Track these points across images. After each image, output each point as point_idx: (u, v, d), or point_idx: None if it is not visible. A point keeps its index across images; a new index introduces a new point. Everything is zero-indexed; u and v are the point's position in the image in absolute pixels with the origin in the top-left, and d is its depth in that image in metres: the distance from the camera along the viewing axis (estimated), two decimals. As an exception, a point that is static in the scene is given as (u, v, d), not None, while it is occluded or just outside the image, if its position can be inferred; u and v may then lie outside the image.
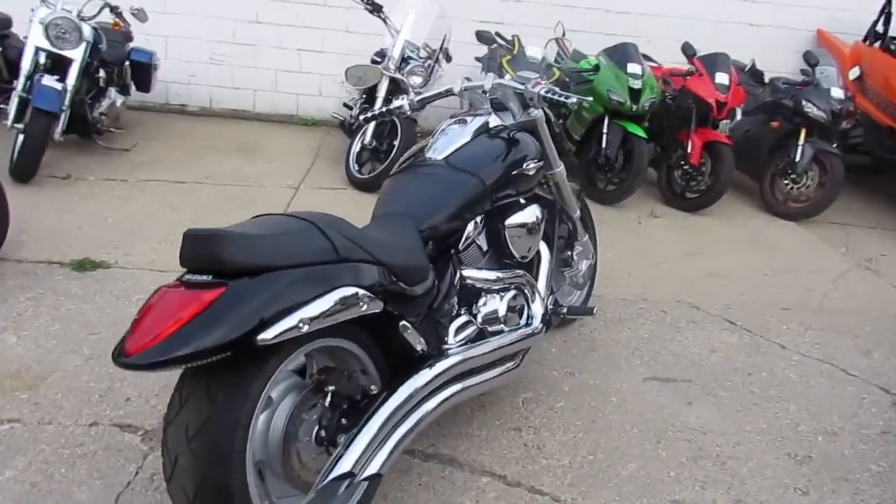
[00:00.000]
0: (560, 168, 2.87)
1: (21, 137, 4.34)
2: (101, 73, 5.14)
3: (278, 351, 1.69)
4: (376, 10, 5.30)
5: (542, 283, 2.68)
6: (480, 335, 2.36)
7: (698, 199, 5.34)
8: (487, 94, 2.67)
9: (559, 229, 3.09)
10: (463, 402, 2.60)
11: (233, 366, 1.64)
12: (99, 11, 4.90)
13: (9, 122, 4.45)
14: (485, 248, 2.43)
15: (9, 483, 2.08)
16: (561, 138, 5.86)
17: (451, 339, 2.20)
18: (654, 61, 6.02)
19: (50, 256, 3.48)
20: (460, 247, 2.35)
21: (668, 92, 5.53)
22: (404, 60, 5.19)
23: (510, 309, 2.47)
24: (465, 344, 2.25)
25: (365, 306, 1.78)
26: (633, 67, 5.11)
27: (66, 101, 4.57)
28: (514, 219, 2.49)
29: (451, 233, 2.30)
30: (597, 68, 5.30)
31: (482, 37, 5.20)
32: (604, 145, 5.20)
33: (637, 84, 5.06)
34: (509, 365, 2.41)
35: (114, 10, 5.14)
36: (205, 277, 1.61)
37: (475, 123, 2.57)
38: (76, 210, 4.09)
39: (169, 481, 1.63)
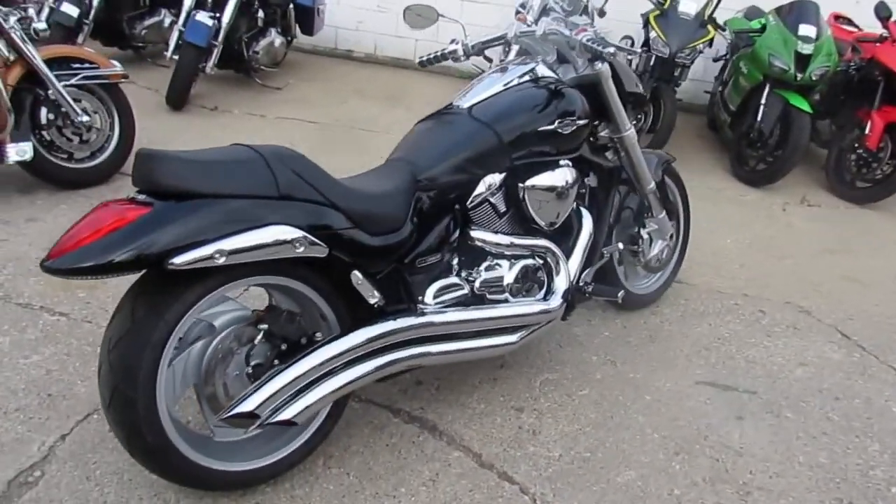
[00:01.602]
0: (629, 132, 2.55)
1: (174, 68, 4.76)
2: (261, 14, 5.45)
3: (203, 280, 1.68)
4: (522, -43, 5.04)
5: (575, 257, 2.41)
6: (478, 300, 2.19)
7: (870, 190, 4.52)
8: (553, 45, 2.44)
9: (626, 200, 2.77)
10: (471, 371, 2.48)
11: (157, 289, 1.67)
12: (259, -48, 5.17)
13: (168, 54, 4.90)
14: (502, 209, 2.23)
15: (29, 366, 2.32)
16: (717, 107, 5.26)
17: (429, 297, 2.05)
18: (855, 25, 5.15)
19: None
20: (469, 203, 2.17)
21: (855, 61, 4.69)
22: (545, 12, 4.90)
23: (521, 278, 2.26)
24: (449, 306, 2.09)
25: (301, 248, 1.71)
26: (805, 29, 4.39)
27: (219, 38, 4.91)
28: (537, 180, 2.25)
29: (455, 186, 2.13)
30: (764, 28, 4.63)
31: (627, -11, 4.75)
32: (759, 118, 4.56)
33: (807, 49, 4.35)
34: (504, 339, 2.21)
35: (275, -48, 5.40)
36: (143, 197, 1.63)
37: (515, 73, 2.35)
38: (209, 137, 4.42)
39: (99, 386, 1.70)
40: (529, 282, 2.31)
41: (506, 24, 2.45)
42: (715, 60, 5.53)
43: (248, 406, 1.69)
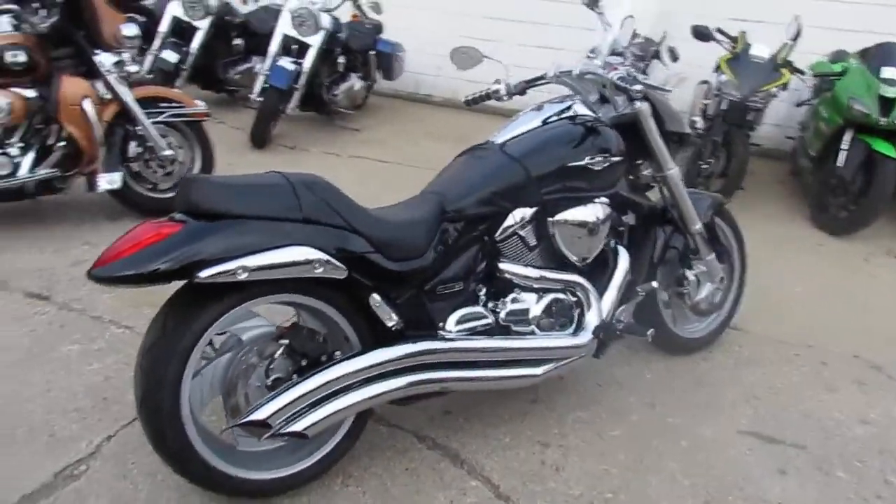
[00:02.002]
0: (673, 170, 2.54)
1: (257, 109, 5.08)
2: (342, 59, 5.75)
3: (229, 295, 1.79)
4: (592, 3, 5.10)
5: (609, 294, 2.39)
6: (504, 331, 2.21)
7: (963, 245, 4.22)
8: (592, 84, 2.48)
9: (671, 240, 2.72)
10: (502, 403, 2.48)
11: (187, 302, 1.80)
12: (340, 4, 5.49)
13: (253, 96, 5.24)
14: (532, 242, 2.26)
15: (91, 372, 2.52)
16: (799, 153, 5.09)
17: (451, 324, 2.09)
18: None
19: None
20: (497, 236, 2.21)
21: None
22: (614, 55, 4.93)
23: (550, 312, 2.27)
24: (470, 334, 2.12)
25: (321, 269, 1.80)
26: (888, 72, 4.22)
27: (301, 81, 5.22)
28: (567, 215, 2.26)
29: (482, 218, 2.18)
30: (845, 72, 4.47)
31: (699, 32, 4.71)
32: (840, 164, 4.37)
33: (891, 92, 4.16)
34: (528, 371, 2.21)
35: (355, 2, 5.71)
36: (179, 216, 1.78)
37: (552, 110, 2.40)
38: (284, 174, 4.67)
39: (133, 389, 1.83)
40: (560, 316, 2.31)
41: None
42: (798, 105, 5.37)
43: (260, 415, 1.78)
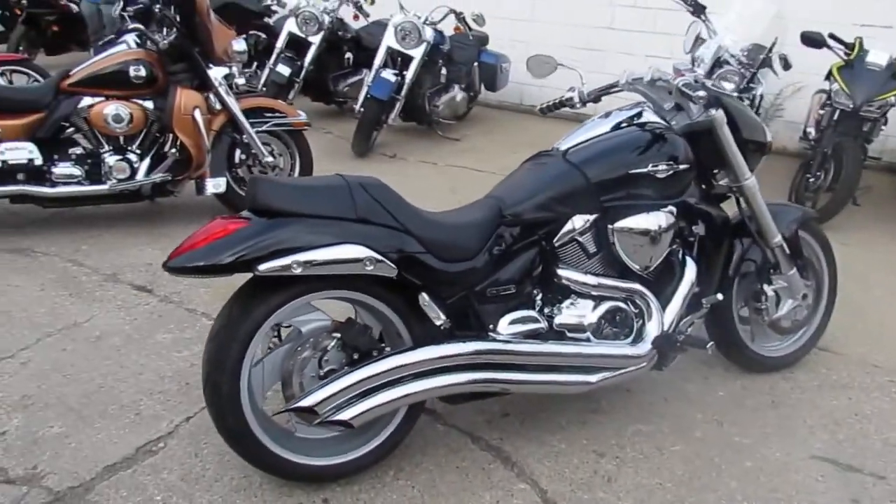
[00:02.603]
0: (749, 180, 2.47)
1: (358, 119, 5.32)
2: (444, 71, 5.91)
3: (287, 288, 1.93)
4: (698, 10, 4.95)
5: (674, 304, 2.35)
6: (558, 336, 2.23)
7: None
8: (672, 93, 2.45)
9: (748, 253, 2.62)
10: (561, 410, 2.49)
11: (250, 293, 1.95)
12: (443, 17, 5.65)
13: (357, 107, 5.49)
14: (592, 249, 2.26)
15: (179, 359, 2.75)
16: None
17: (502, 326, 2.13)
18: None
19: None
20: (556, 242, 2.23)
21: None
22: (718, 65, 4.77)
23: (606, 320, 2.26)
24: (522, 337, 2.15)
25: (371, 267, 1.90)
26: None
27: (402, 92, 5.41)
28: (628, 223, 2.25)
29: (540, 224, 2.21)
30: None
31: (809, 39, 4.46)
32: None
33: None
34: (581, 378, 2.20)
35: (458, 16, 5.85)
36: (247, 214, 1.94)
37: (619, 117, 2.40)
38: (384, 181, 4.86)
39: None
40: (618, 325, 2.30)
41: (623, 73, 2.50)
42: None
43: (308, 402, 1.90)
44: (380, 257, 1.91)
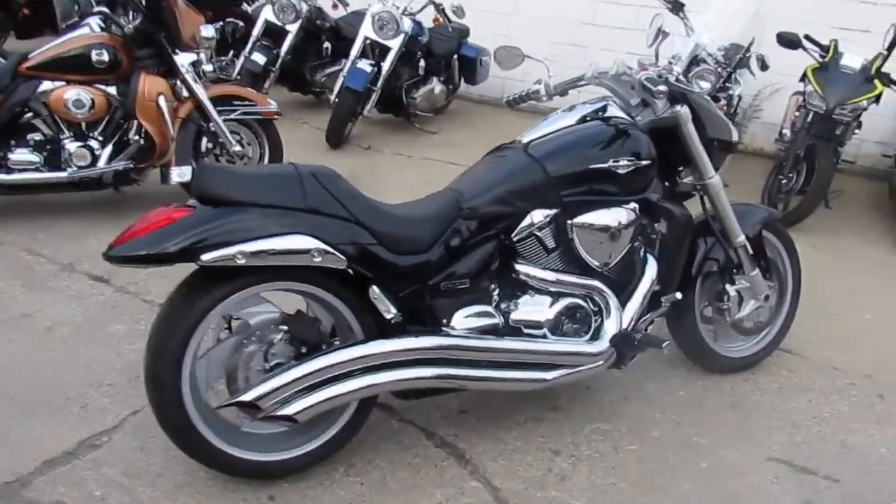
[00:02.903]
0: (713, 178, 2.44)
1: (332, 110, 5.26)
2: (422, 63, 5.85)
3: (232, 279, 1.88)
4: (677, 8, 4.93)
5: (633, 302, 2.32)
6: (515, 332, 2.19)
7: None
8: (634, 88, 2.41)
9: (711, 252, 2.59)
10: (520, 408, 2.45)
11: (195, 284, 1.90)
12: (422, 8, 5.58)
13: (332, 97, 5.42)
14: (551, 244, 2.22)
15: (130, 351, 2.68)
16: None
17: (456, 321, 2.09)
18: None
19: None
20: (515, 236, 2.19)
21: None
22: (695, 63, 4.75)
23: (563, 316, 2.23)
24: (477, 333, 2.11)
25: (319, 258, 1.86)
26: None
27: (378, 83, 5.34)
28: (586, 219, 2.21)
29: (498, 218, 2.17)
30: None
31: (785, 39, 4.45)
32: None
33: None
34: (536, 375, 2.17)
35: (437, 7, 5.79)
36: (192, 202, 1.89)
37: (583, 111, 2.36)
38: (353, 172, 4.79)
39: None
40: (576, 321, 2.26)
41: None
42: (901, 120, 4.98)
43: (250, 396, 1.85)
44: (328, 248, 1.86)
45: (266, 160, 4.22)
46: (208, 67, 3.87)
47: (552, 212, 2.20)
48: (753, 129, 6.19)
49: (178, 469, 2.11)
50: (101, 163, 3.69)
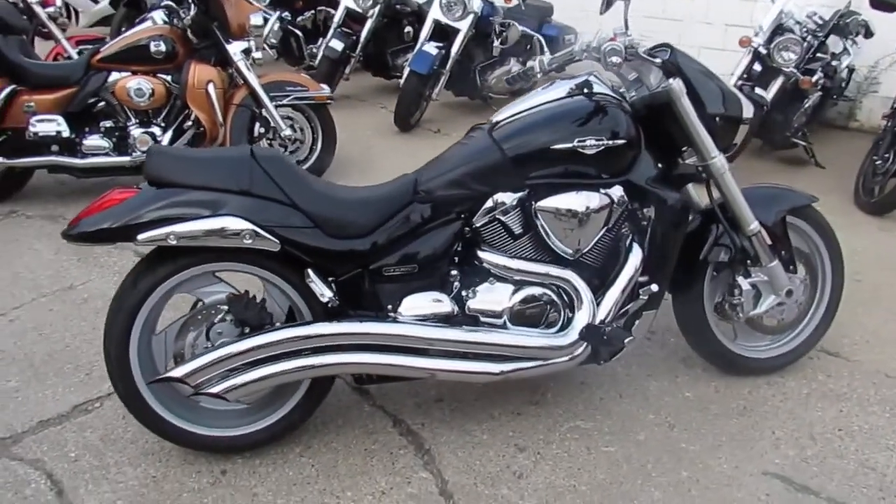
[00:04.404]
0: (715, 159, 2.20)
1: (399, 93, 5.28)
2: (496, 43, 5.72)
3: (174, 259, 1.94)
4: (761, -28, 4.49)
5: (612, 294, 2.14)
6: (471, 321, 2.10)
7: None
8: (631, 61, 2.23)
9: (720, 240, 2.34)
10: (500, 400, 2.37)
11: (143, 264, 1.98)
12: (492, -14, 5.45)
13: (401, 81, 5.44)
14: (517, 230, 2.10)
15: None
16: None
17: (404, 308, 2.03)
18: None
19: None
20: (477, 221, 2.09)
21: None
22: (779, 32, 4.31)
23: (527, 307, 2.11)
24: (430, 320, 2.04)
25: (250, 240, 1.87)
26: None
27: (447, 66, 5.30)
28: (551, 202, 2.07)
29: (455, 201, 2.08)
30: None
31: (881, 2, 3.91)
32: None
33: None
34: (485, 367, 2.06)
35: (511, -14, 5.63)
36: (142, 185, 1.97)
37: (562, 86, 2.20)
38: (415, 156, 4.78)
39: None
40: (543, 313, 2.13)
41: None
42: None
43: (178, 372, 1.90)
44: (260, 231, 1.87)
45: (319, 144, 4.32)
46: (258, 55, 4.00)
47: (516, 195, 2.08)
48: (870, 106, 5.52)
49: (150, 438, 2.21)
50: (162, 148, 3.93)
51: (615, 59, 2.04)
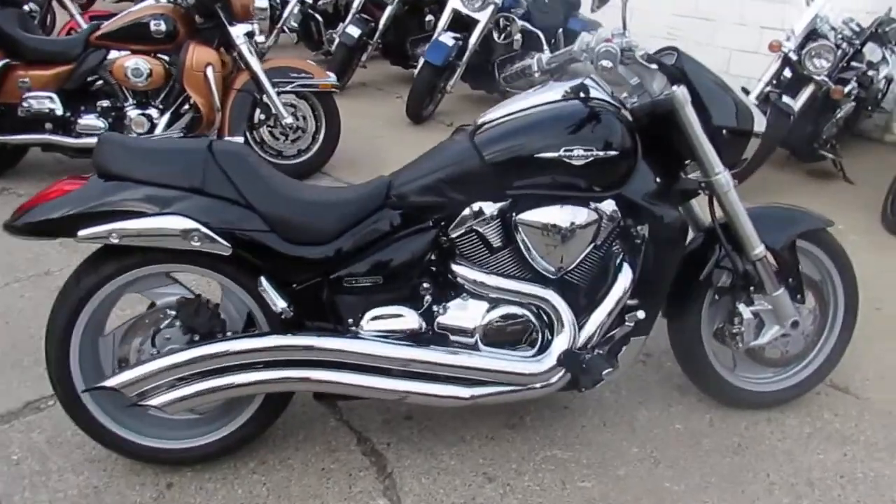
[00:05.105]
0: (720, 175, 2.01)
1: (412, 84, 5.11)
2: (518, 37, 5.52)
3: (120, 258, 1.81)
4: (797, -28, 4.23)
5: (597, 316, 1.96)
6: (439, 340, 1.93)
7: None
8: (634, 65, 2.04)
9: (723, 261, 2.15)
10: (474, 423, 2.21)
11: (87, 261, 1.85)
12: (518, -22, 5.25)
13: (415, 72, 5.27)
14: (496, 243, 1.93)
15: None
16: None
17: (365, 322, 1.88)
18: None
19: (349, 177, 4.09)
20: (452, 232, 1.93)
21: None
22: (812, 38, 4.05)
23: (500, 326, 1.94)
24: (394, 337, 1.89)
25: (198, 242, 1.74)
26: None
27: (463, 58, 5.12)
28: (534, 215, 1.89)
29: (429, 209, 1.92)
30: None
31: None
32: None
33: None
34: (453, 391, 1.90)
35: (532, -25, 5.41)
36: (91, 176, 1.84)
37: (557, 89, 2.02)
38: (423, 148, 4.64)
39: None
40: (518, 335, 1.96)
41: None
42: None
43: (112, 382, 1.77)
44: (209, 232, 1.73)
45: (322, 133, 4.17)
46: (261, 38, 3.87)
47: (496, 206, 1.90)
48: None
49: (96, 444, 2.09)
50: (158, 130, 3.81)
51: (605, 62, 1.85)
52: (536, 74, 2.25)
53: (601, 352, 1.98)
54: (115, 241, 1.71)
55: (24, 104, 3.67)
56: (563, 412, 2.29)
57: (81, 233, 1.71)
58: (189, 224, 1.72)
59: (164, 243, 1.74)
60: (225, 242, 1.74)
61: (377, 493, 1.97)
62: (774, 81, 4.08)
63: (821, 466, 2.12)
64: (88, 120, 3.80)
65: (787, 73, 4.10)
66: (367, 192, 1.93)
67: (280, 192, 1.84)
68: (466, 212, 1.91)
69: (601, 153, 1.87)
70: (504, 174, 1.88)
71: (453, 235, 1.93)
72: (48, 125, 3.76)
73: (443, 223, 1.93)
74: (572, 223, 1.89)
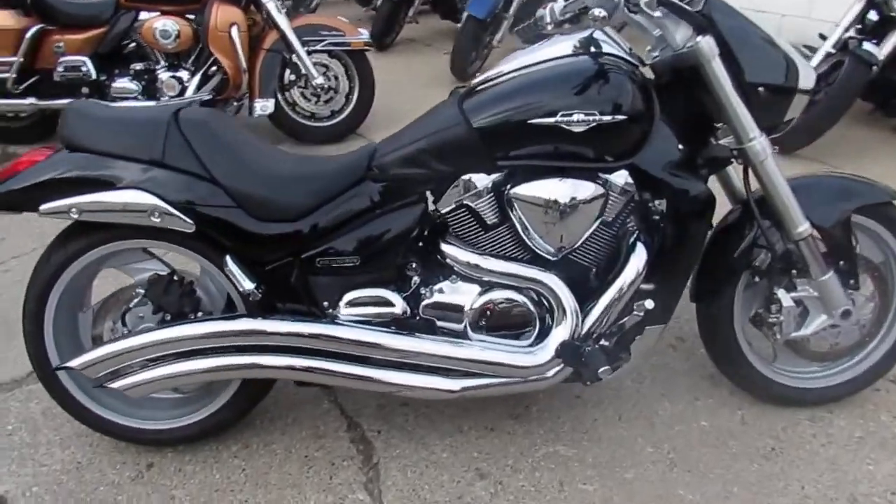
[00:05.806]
0: (754, 141, 1.73)
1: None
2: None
3: (88, 234, 1.73)
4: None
5: (602, 302, 1.74)
6: (426, 327, 1.77)
7: None
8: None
9: (760, 239, 1.87)
10: (479, 413, 2.05)
11: (58, 238, 1.77)
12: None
13: (459, 25, 5.01)
14: (490, 220, 1.72)
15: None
16: None
17: (343, 306, 1.73)
18: None
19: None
20: (441, 207, 1.74)
21: None
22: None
23: (493, 313, 1.75)
24: (373, 322, 1.73)
25: (158, 219, 1.62)
26: None
27: (510, 10, 4.81)
28: (530, 189, 1.67)
29: (411, 181, 1.73)
30: None
31: None
32: None
33: None
34: (440, 384, 1.73)
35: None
36: (58, 147, 1.75)
37: (563, 43, 1.77)
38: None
39: None
40: (513, 321, 1.77)
41: None
42: None
43: (74, 363, 1.70)
44: (168, 208, 1.60)
45: (356, 94, 4.01)
46: (288, -3, 3.70)
47: (489, 178, 1.70)
48: None
49: (84, 418, 2.05)
50: (189, 93, 3.74)
51: (597, 11, 1.59)
52: (549, 27, 1.98)
53: (606, 343, 1.76)
54: (75, 216, 1.62)
55: (60, 69, 3.66)
56: (574, 402, 2.10)
57: (43, 207, 1.63)
58: (148, 199, 1.60)
59: (126, 219, 1.64)
60: (187, 219, 1.62)
61: (357, 486, 1.84)
62: (858, 25, 3.61)
63: (869, 479, 1.84)
64: (122, 83, 3.77)
65: (873, 14, 3.62)
66: (348, 163, 1.76)
67: (249, 163, 1.70)
68: (455, 185, 1.71)
69: (606, 118, 1.62)
70: (494, 143, 1.67)
71: (442, 212, 1.74)
72: (84, 89, 3.75)
73: (430, 198, 1.75)
74: (573, 198, 1.66)
